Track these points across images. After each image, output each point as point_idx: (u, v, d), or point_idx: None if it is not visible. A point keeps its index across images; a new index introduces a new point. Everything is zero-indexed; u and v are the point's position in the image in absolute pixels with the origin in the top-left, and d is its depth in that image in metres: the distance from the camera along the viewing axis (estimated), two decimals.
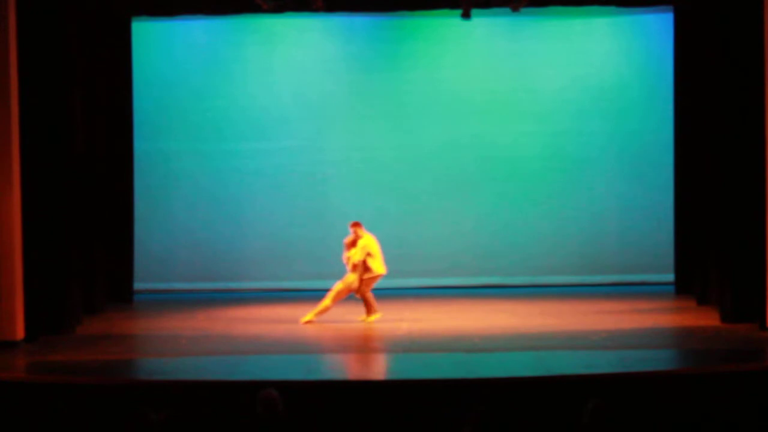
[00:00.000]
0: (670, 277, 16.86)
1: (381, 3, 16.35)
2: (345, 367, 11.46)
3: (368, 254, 14.15)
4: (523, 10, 15.21)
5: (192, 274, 17.82)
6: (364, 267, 14.08)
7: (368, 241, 14.25)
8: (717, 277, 14.32)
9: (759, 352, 11.87)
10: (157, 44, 17.72)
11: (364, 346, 12.88)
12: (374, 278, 14.16)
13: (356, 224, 14.28)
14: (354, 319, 14.23)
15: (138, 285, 17.05)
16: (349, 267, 14.14)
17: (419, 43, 17.91)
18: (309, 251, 17.76)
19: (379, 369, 11.87)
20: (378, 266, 14.14)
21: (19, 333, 12.81)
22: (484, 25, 17.20)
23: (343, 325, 13.97)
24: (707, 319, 14.02)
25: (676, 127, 16.55)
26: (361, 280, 14.07)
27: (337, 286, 14.11)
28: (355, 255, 14.04)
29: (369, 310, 14.15)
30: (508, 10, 15.23)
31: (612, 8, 16.71)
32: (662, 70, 17.31)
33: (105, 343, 12.97)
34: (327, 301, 14.08)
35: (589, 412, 7.76)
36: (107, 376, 10.86)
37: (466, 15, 15.89)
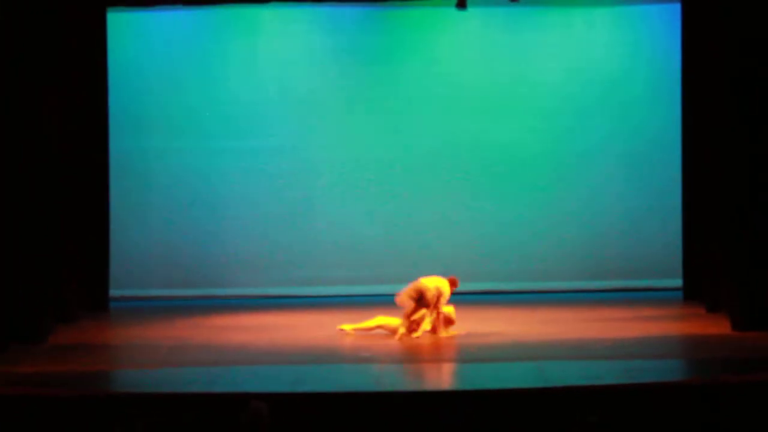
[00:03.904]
0: (677, 282, 16.87)
1: None
2: (333, 379, 11.45)
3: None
4: None
5: (172, 279, 17.79)
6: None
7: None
8: (727, 283, 14.33)
9: None
10: (134, 37, 17.68)
11: (354, 356, 12.87)
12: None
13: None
14: (344, 330, 14.21)
15: (114, 291, 17.01)
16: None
17: (412, 35, 17.90)
18: (295, 256, 17.75)
19: (370, 380, 11.87)
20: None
21: None
22: (480, 15, 17.21)
23: (333, 335, 13.96)
24: (717, 326, 14.03)
25: (683, 123, 16.56)
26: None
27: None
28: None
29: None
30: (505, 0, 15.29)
31: None
32: (669, 63, 17.33)
33: (79, 354, 12.97)
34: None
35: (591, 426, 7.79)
36: (82, 388, 10.85)
37: (461, 5, 15.93)
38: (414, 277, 13.89)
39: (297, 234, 17.78)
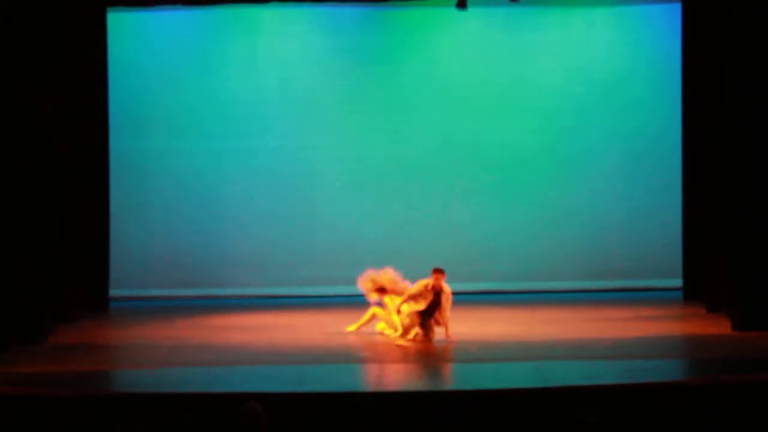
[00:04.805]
0: (677, 282, 16.87)
1: None
2: (333, 379, 11.45)
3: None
4: None
5: (172, 279, 17.78)
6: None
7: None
8: (728, 283, 14.33)
9: None
10: (134, 37, 17.69)
11: (355, 356, 12.88)
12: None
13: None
14: (344, 330, 14.21)
15: (114, 291, 17.01)
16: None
17: (412, 35, 17.91)
18: (295, 256, 17.75)
19: (371, 380, 11.88)
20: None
21: None
22: (480, 15, 17.21)
23: (333, 335, 13.97)
24: (717, 326, 14.03)
25: (684, 123, 16.56)
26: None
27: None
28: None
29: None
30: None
31: None
32: (669, 63, 17.33)
33: (79, 354, 12.96)
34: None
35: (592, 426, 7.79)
36: (82, 388, 10.85)
37: (461, 5, 15.94)
38: (412, 277, 13.92)
39: (297, 234, 17.77)
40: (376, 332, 13.93)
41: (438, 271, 13.40)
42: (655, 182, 17.75)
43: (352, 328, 14.04)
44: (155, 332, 14.59)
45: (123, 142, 17.32)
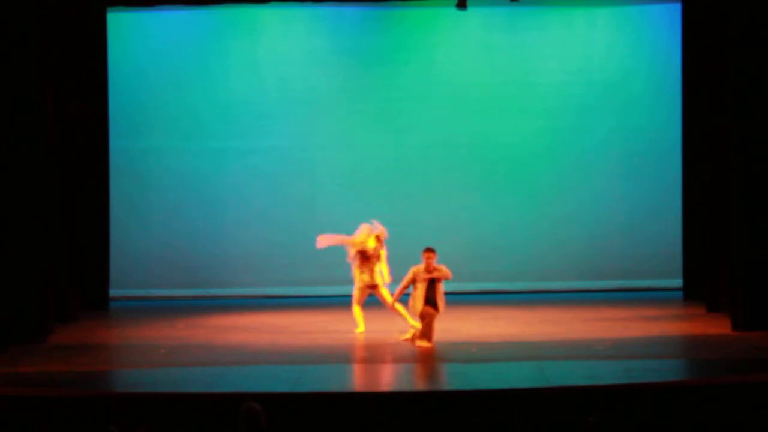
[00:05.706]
0: (678, 282, 16.89)
1: None
2: (333, 379, 11.45)
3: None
4: None
5: (171, 279, 17.81)
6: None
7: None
8: (728, 283, 14.33)
9: None
10: (134, 36, 17.72)
11: (354, 356, 12.88)
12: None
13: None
14: (344, 330, 14.21)
15: (114, 291, 17.04)
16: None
17: (412, 35, 17.94)
18: (295, 256, 17.75)
19: (370, 380, 11.87)
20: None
21: None
22: (480, 15, 17.23)
23: (333, 335, 13.97)
24: (718, 326, 14.03)
25: (684, 123, 16.57)
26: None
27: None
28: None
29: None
30: None
31: None
32: (669, 63, 17.35)
33: (78, 354, 12.95)
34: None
35: (592, 426, 7.77)
36: (81, 388, 10.84)
37: (461, 5, 15.95)
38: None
39: (297, 234, 17.77)
40: (375, 332, 13.93)
41: (428, 251, 13.33)
42: (655, 182, 17.77)
43: (360, 329, 14.02)
44: (155, 332, 14.59)
45: (123, 142, 17.36)
